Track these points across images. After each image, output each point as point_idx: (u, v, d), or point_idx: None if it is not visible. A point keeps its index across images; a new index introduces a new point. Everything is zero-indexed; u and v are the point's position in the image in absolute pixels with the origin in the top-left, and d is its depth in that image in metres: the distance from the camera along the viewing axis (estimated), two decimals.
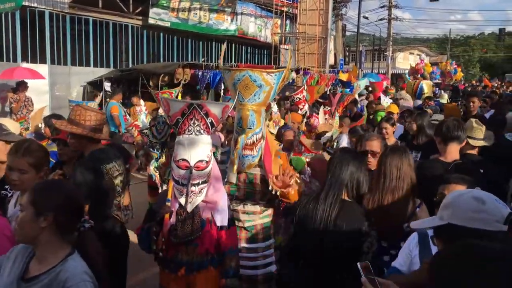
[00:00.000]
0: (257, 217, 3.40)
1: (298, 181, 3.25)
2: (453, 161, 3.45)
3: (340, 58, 25.38)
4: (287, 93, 9.66)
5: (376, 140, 3.68)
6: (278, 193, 3.16)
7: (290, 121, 5.91)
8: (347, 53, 31.80)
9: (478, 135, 4.03)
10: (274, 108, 7.03)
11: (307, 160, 4.26)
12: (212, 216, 2.66)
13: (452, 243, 1.58)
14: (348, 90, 12.51)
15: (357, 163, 2.72)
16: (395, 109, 7.33)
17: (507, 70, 48.95)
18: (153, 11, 15.47)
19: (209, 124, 2.61)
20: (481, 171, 3.50)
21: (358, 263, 1.88)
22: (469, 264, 1.10)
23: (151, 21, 15.43)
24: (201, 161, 2.56)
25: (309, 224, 2.65)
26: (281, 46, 20.62)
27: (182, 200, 2.57)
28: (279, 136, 5.05)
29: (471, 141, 3.93)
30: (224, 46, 3.98)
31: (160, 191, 4.73)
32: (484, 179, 3.13)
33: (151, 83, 11.59)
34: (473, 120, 4.21)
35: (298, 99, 7.89)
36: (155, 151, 4.86)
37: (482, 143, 4.01)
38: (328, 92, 14.65)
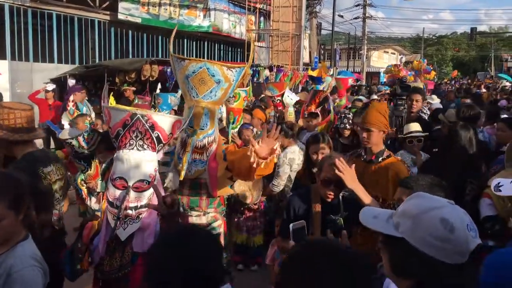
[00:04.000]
0: None
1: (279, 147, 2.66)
2: None
3: (314, 56, 25.30)
4: (267, 93, 9.30)
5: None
6: (262, 165, 2.52)
7: (252, 117, 5.62)
8: (322, 51, 31.75)
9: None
10: None
11: None
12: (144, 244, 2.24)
13: (397, 259, 1.35)
14: (318, 86, 12.26)
15: None
16: None
17: (479, 69, 50.03)
18: (122, 6, 14.96)
19: (154, 138, 2.23)
20: None
21: (291, 224, 1.72)
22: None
23: (121, 16, 14.92)
24: (141, 181, 2.19)
25: None
26: (255, 43, 20.34)
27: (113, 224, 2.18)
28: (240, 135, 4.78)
29: None
30: (173, 32, 3.52)
31: (88, 201, 4.31)
32: None
33: (117, 80, 11.16)
34: None
35: (279, 100, 7.63)
36: (82, 162, 4.34)
37: None
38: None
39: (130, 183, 2.18)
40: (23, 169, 2.89)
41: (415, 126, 4.72)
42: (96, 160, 4.07)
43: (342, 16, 32.86)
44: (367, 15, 32.99)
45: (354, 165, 2.68)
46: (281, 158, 4.62)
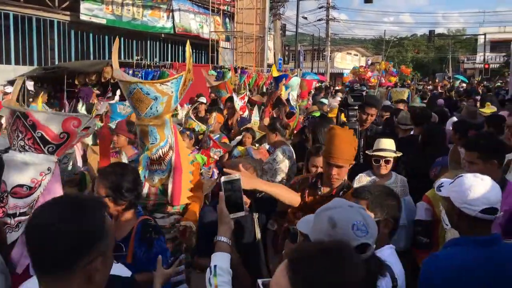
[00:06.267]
0: (165, 231, 3.04)
1: None
2: None
3: (279, 57, 25.52)
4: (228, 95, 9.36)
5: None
6: None
7: (214, 121, 5.72)
8: (287, 53, 32.06)
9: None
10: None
11: (216, 156, 4.21)
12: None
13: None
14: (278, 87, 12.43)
15: None
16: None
17: (437, 70, 51.79)
18: (84, 7, 14.64)
19: (37, 138, 2.04)
20: None
21: (222, 177, 1.88)
22: None
23: (83, 17, 14.59)
24: (20, 186, 2.01)
25: None
26: (220, 45, 20.38)
27: None
28: None
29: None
30: (116, 42, 3.48)
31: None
32: None
33: (76, 82, 10.96)
34: None
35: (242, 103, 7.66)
36: None
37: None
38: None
39: (8, 188, 2.03)
40: None
41: (388, 144, 3.67)
42: None
43: (306, 18, 33.42)
44: (330, 17, 33.57)
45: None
46: (279, 155, 4.38)
